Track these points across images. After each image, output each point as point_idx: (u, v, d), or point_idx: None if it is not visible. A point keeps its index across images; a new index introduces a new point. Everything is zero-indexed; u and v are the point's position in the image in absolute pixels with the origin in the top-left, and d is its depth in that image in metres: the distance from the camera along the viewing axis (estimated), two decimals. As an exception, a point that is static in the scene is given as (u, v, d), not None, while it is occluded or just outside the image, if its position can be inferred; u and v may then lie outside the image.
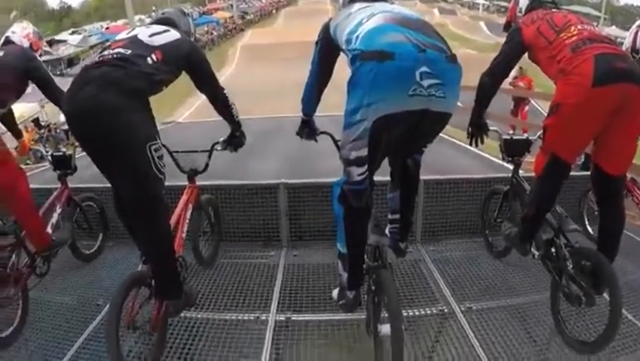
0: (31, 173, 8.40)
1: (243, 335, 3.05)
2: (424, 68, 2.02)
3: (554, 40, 2.82)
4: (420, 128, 2.23)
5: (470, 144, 3.63)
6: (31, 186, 3.53)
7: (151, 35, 2.68)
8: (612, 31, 46.92)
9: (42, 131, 17.09)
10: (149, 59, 2.53)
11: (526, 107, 11.86)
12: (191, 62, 2.80)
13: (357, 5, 2.46)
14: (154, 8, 48.10)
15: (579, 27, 2.82)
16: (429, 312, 3.22)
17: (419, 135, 2.35)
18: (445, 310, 3.25)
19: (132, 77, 2.43)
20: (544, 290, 3.15)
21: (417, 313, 3.23)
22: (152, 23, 2.98)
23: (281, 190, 4.25)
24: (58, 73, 27.64)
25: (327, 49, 2.65)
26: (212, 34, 35.26)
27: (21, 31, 3.66)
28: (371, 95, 2.07)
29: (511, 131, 10.67)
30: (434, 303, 3.34)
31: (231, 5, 47.40)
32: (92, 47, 34.73)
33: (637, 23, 3.96)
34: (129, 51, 2.54)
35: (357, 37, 2.19)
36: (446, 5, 56.92)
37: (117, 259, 4.14)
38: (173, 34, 2.75)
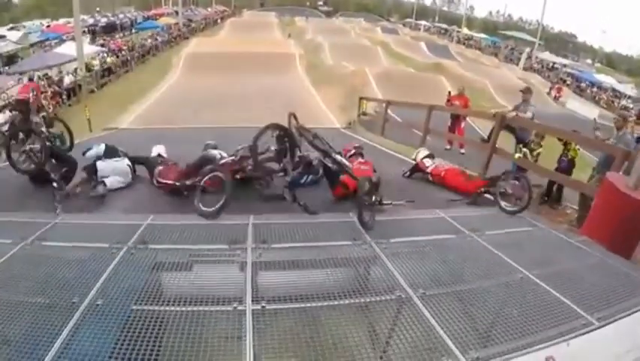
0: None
1: (224, 323, 3.32)
2: None
3: None
4: None
5: None
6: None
7: None
8: (546, 56, 50.13)
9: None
10: None
11: (463, 124, 12.53)
12: None
13: None
14: (98, 9, 46.89)
15: None
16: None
17: None
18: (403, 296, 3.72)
19: None
20: (486, 279, 3.83)
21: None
22: None
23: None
24: (-5, 70, 26.21)
25: None
26: (156, 39, 34.71)
27: None
28: None
29: (448, 146, 11.57)
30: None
31: (176, 12, 46.56)
32: (32, 45, 33.19)
33: None
34: None
35: None
36: (389, 24, 58.77)
37: (83, 260, 4.19)
38: None
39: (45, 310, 3.41)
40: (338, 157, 5.85)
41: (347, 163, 5.94)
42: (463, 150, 11.79)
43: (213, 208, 5.24)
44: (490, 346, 3.19)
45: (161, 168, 6.69)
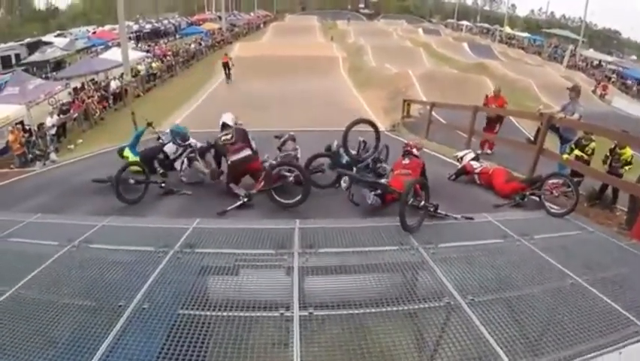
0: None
1: (271, 329, 3.34)
2: None
3: None
4: None
5: None
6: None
7: None
8: (590, 53, 48.44)
9: (27, 134, 16.52)
10: None
11: (497, 128, 11.80)
12: None
13: None
14: (138, 15, 48.22)
15: None
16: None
17: None
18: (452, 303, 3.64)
19: None
20: (536, 285, 3.76)
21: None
22: None
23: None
24: (44, 75, 27.16)
25: None
26: (200, 44, 35.37)
27: None
28: None
29: (484, 151, 11.14)
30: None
31: (219, 17, 47.29)
32: (78, 51, 34.06)
33: None
34: None
35: None
36: (430, 25, 57.97)
37: (129, 263, 4.28)
38: None
39: (91, 313, 3.47)
40: (382, 182, 5.85)
41: (387, 183, 5.89)
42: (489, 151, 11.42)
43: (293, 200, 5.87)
44: (541, 355, 3.11)
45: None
